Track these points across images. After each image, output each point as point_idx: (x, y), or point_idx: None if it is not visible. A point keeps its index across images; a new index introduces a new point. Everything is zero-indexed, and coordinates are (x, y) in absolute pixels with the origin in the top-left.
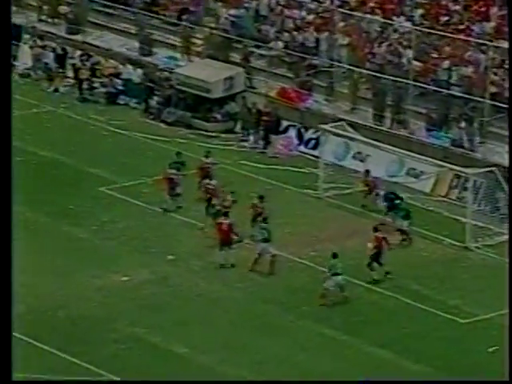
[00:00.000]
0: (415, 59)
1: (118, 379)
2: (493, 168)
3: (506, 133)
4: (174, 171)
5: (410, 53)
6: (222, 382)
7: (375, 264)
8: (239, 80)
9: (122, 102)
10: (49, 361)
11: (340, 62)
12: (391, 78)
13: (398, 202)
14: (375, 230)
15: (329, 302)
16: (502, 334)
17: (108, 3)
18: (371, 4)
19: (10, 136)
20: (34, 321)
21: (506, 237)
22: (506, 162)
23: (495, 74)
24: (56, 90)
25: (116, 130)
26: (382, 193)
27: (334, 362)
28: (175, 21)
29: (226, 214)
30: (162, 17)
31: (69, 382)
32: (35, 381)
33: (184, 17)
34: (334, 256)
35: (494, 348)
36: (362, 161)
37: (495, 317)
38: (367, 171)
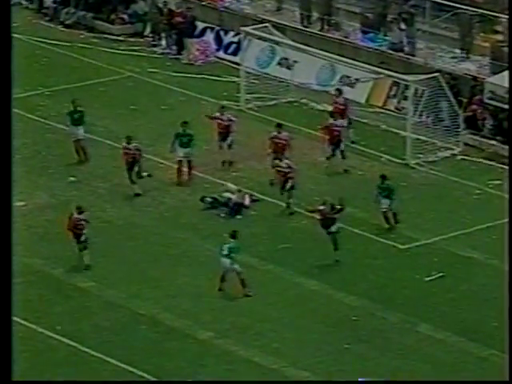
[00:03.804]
0: None
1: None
2: (436, 74)
3: (451, 34)
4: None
5: None
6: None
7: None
8: None
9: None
10: None
11: None
12: None
13: None
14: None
15: (225, 288)
16: (445, 260)
17: None
18: None
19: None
20: None
21: (450, 152)
22: (450, 67)
23: None
24: None
25: None
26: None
27: (258, 295)
28: None
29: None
30: None
31: (68, 382)
32: (35, 381)
33: None
34: (233, 236)
35: (434, 276)
36: (288, 68)
37: (438, 241)
38: (338, 90)
